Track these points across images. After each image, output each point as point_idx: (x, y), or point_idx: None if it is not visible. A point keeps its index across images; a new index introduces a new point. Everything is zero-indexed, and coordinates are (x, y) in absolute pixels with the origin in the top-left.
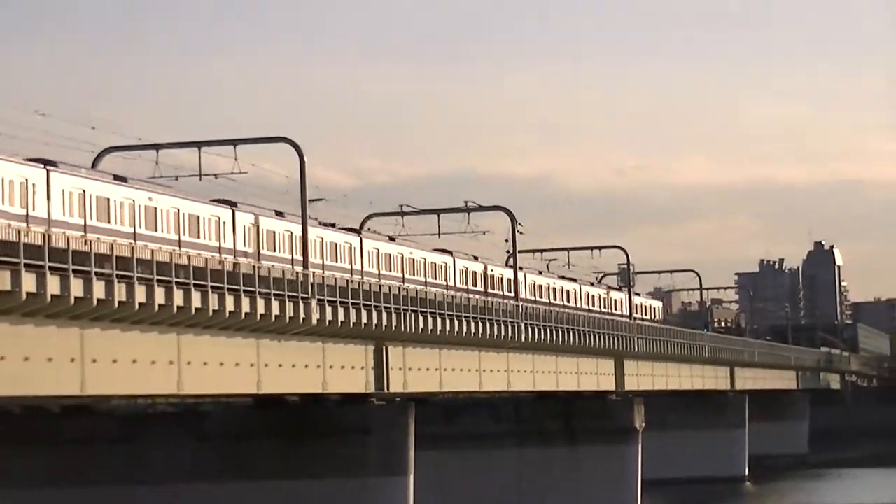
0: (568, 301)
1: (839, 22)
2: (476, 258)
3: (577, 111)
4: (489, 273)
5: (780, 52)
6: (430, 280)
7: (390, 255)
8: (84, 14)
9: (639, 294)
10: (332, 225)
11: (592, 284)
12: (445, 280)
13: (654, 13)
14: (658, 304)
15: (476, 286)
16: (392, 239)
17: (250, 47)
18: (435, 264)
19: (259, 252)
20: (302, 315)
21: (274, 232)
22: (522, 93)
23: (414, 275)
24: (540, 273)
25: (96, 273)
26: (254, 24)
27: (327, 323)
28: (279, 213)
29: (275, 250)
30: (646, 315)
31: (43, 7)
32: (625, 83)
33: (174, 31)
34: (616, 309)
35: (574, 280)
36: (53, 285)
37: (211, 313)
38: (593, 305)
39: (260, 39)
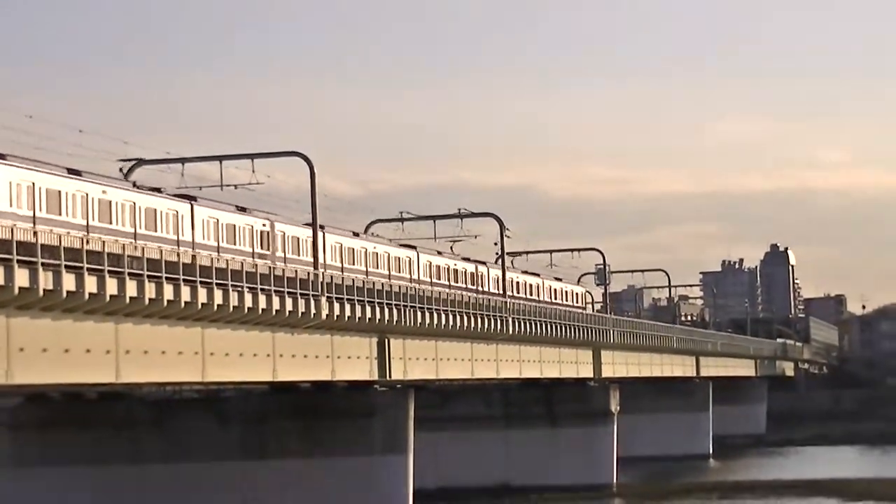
0: (457, 280)
1: (792, 49)
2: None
3: (559, 128)
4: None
5: (739, 77)
6: (256, 250)
7: (219, 222)
8: (115, 39)
9: (560, 279)
10: (158, 190)
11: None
12: (270, 251)
13: (628, 41)
14: (581, 289)
15: (300, 254)
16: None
17: (266, 71)
18: (262, 232)
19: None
20: (313, 311)
21: (58, 192)
22: (510, 113)
23: (236, 244)
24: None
25: (129, 273)
26: (268, 50)
27: (335, 318)
28: (73, 172)
29: (60, 214)
30: (566, 300)
31: (79, 32)
32: (601, 104)
33: (198, 57)
34: (518, 291)
35: (468, 259)
36: (91, 284)
37: (231, 309)
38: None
39: (275, 64)
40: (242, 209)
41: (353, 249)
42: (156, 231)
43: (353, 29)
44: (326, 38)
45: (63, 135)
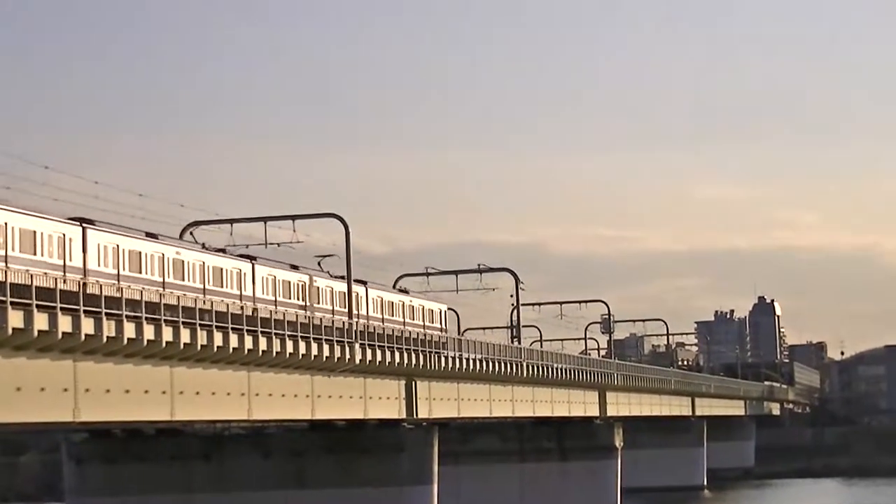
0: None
1: (772, 119)
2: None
3: (567, 192)
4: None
5: (724, 147)
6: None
7: (276, 278)
8: (167, 114)
9: (418, 293)
10: (223, 251)
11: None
12: (315, 303)
13: (628, 117)
14: (438, 306)
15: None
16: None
17: (304, 141)
18: (314, 287)
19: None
20: (347, 356)
21: (139, 252)
22: (524, 178)
23: (290, 298)
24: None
25: (183, 322)
26: (306, 123)
27: (367, 362)
28: (151, 235)
29: (140, 272)
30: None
31: (148, 105)
32: (604, 170)
33: (244, 130)
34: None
35: (406, 291)
36: (149, 332)
37: (274, 354)
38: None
39: (311, 134)
40: (295, 267)
41: (392, 303)
42: (222, 287)
43: (383, 101)
44: (358, 112)
45: (126, 199)
